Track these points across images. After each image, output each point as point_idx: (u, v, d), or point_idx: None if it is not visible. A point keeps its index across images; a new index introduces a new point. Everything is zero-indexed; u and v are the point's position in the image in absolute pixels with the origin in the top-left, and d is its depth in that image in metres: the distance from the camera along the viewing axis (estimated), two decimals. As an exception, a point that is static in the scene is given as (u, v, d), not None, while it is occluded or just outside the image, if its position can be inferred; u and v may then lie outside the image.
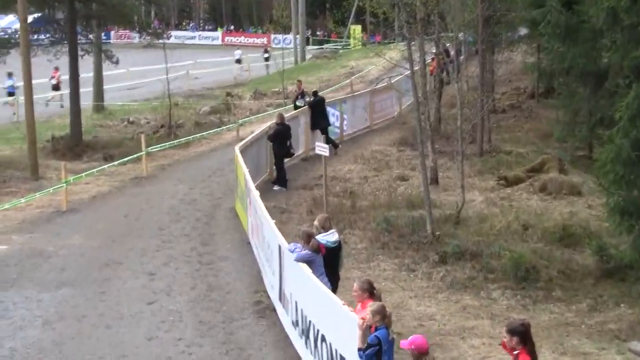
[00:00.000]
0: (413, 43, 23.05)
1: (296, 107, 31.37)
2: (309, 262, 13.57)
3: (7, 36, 34.82)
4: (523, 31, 37.24)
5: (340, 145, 30.63)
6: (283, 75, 43.19)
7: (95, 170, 26.82)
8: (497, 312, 15.83)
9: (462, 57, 30.65)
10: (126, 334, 15.10)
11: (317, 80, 51.89)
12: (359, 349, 10.40)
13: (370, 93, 35.69)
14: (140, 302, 16.63)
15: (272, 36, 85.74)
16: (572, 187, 23.78)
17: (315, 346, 12.60)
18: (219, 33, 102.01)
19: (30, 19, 31.97)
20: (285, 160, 26.06)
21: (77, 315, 16.11)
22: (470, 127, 23.41)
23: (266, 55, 65.16)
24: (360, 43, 78.08)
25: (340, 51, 76.64)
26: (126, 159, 28.47)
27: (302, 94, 32.63)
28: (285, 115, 27.23)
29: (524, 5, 31.40)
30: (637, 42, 16.20)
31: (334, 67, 59.90)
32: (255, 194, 18.30)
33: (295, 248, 13.94)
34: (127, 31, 75.43)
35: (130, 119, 38.65)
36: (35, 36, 35.40)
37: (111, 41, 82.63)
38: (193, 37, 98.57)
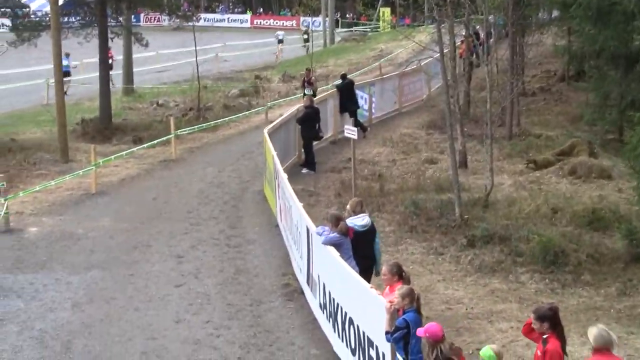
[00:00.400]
0: (443, 25, 22.94)
1: (305, 96, 30.73)
2: (337, 245, 13.57)
3: (37, 19, 34.92)
4: (554, 13, 36.97)
5: (368, 128, 30.58)
6: (312, 57, 43.09)
7: (124, 153, 26.90)
8: (525, 296, 15.76)
9: (492, 40, 30.49)
10: (154, 317, 15.18)
11: (346, 63, 51.80)
12: (387, 332, 10.40)
13: (399, 76, 35.61)
14: (169, 285, 16.71)
15: (301, 19, 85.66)
16: (602, 170, 23.64)
17: (343, 329, 12.62)
18: (248, 16, 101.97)
19: (60, 1, 32.00)
20: (314, 143, 26.05)
21: (106, 297, 16.20)
22: (500, 110, 23.25)
23: (305, 36, 65.17)
24: (389, 26, 77.95)
25: (370, 34, 76.45)
26: (155, 141, 28.54)
27: (310, 82, 32.88)
28: (314, 98, 27.23)
29: (555, -13, 31.16)
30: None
31: (363, 50, 59.74)
32: (284, 176, 18.31)
33: (324, 231, 13.92)
34: (157, 14, 75.62)
35: (160, 102, 38.71)
36: (66, 19, 35.48)
37: (141, 24, 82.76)
38: (222, 20, 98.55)
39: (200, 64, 37.62)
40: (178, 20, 39.08)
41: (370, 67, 47.08)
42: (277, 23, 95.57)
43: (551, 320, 9.72)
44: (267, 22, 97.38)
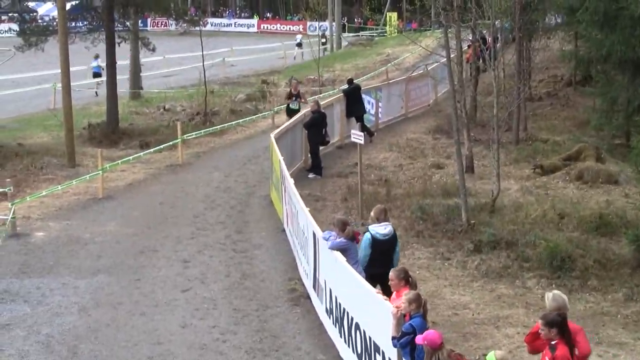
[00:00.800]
0: (449, 30, 22.93)
1: (289, 110, 29.93)
2: (344, 250, 13.57)
3: (45, 24, 34.97)
4: (561, 18, 36.92)
5: (375, 133, 30.58)
6: (319, 62, 43.09)
7: (131, 157, 26.94)
8: (532, 302, 15.74)
9: (498, 45, 30.46)
10: (161, 322, 15.19)
11: (353, 67, 51.80)
12: (393, 338, 10.40)
13: (406, 81, 35.58)
14: (175, 290, 16.72)
15: (308, 23, 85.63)
16: (609, 175, 23.60)
17: (350, 334, 12.62)
18: (255, 20, 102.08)
19: (67, 6, 32.04)
20: (321, 148, 26.05)
21: (113, 302, 16.22)
22: (507, 115, 23.21)
23: (323, 40, 65.60)
24: (396, 30, 77.96)
25: (376, 39, 76.44)
26: (162, 146, 28.56)
27: (298, 95, 30.38)
28: (321, 103, 27.23)
29: (562, -8, 31.12)
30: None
31: (369, 54, 59.74)
32: (290, 181, 18.32)
33: (330, 236, 13.93)
34: (164, 18, 75.66)
35: (167, 107, 38.73)
36: (73, 23, 35.53)
37: (148, 28, 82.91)
38: (229, 25, 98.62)
39: (207, 69, 37.61)
40: (185, 25, 39.11)
41: (377, 72, 47.06)
42: (284, 28, 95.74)
43: (560, 326, 9.72)
44: (274, 27, 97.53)
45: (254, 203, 23.33)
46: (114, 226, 21.34)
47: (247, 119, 34.45)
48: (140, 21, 49.26)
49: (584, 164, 24.37)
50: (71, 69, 28.72)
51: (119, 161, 26.39)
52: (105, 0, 32.99)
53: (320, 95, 37.43)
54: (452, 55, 22.21)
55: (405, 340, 10.28)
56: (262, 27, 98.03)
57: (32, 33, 32.37)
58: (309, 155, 26.11)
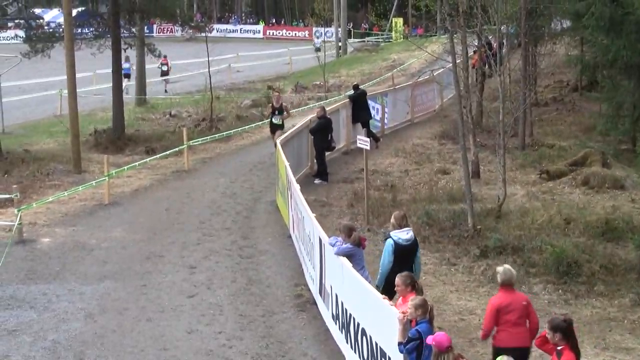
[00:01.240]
0: (455, 36, 22.94)
1: (272, 125, 28.37)
2: (350, 255, 13.57)
3: (51, 30, 35.05)
4: (566, 23, 36.91)
5: (381, 139, 30.57)
6: (324, 68, 43.14)
7: (137, 163, 26.98)
8: (538, 307, 15.67)
9: (504, 50, 30.46)
10: (167, 327, 15.19)
11: (359, 73, 51.84)
12: (400, 343, 10.39)
13: (411, 86, 35.55)
14: (181, 296, 16.73)
15: (314, 29, 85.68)
16: (615, 180, 23.57)
17: (356, 340, 12.61)
18: (260, 26, 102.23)
19: (74, 12, 32.11)
20: (327, 153, 26.05)
21: (119, 308, 16.23)
22: (512, 120, 23.22)
23: (339, 44, 66.25)
24: (402, 36, 77.99)
25: (382, 44, 76.48)
26: (168, 152, 28.58)
27: (280, 109, 28.23)
28: (327, 109, 27.25)
29: (568, -2, 31.10)
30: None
31: (375, 60, 59.75)
32: (296, 187, 18.32)
33: (336, 242, 13.93)
34: (170, 25, 75.81)
35: (172, 112, 38.80)
36: (79, 30, 35.60)
37: (154, 35, 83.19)
38: (235, 31, 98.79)
39: (212, 75, 37.69)
40: (191, 31, 39.24)
41: (382, 78, 47.07)
42: (289, 34, 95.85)
43: (564, 331, 9.71)
44: (279, 33, 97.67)
45: (260, 209, 23.34)
46: (120, 232, 21.36)
47: (253, 124, 34.45)
48: (146, 27, 49.39)
49: (590, 169, 24.34)
50: (77, 75, 28.76)
51: (125, 167, 26.42)
52: (111, 7, 33.06)
53: (326, 100, 37.43)
54: (457, 61, 22.20)
55: (411, 346, 10.27)
56: (267, 33, 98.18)
57: (39, 39, 32.46)
58: (315, 160, 26.11)
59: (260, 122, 34.92)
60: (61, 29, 31.67)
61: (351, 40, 79.37)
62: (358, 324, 12.44)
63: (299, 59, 61.77)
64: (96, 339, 14.79)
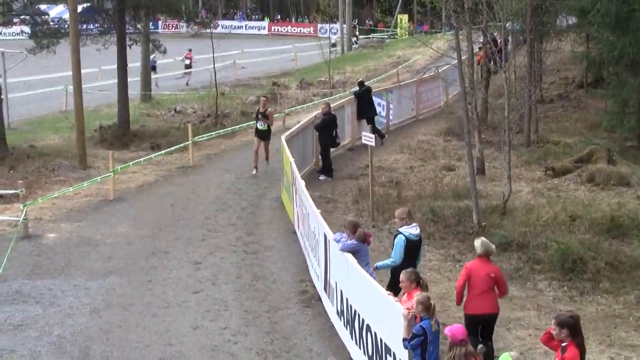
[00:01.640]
0: (460, 32, 22.92)
1: (258, 131, 26.75)
2: (355, 252, 13.58)
3: (56, 26, 35.07)
4: (572, 20, 36.87)
5: (386, 135, 30.56)
6: (329, 64, 43.11)
7: (142, 159, 26.99)
8: (543, 304, 15.72)
9: (509, 47, 30.42)
10: (172, 323, 15.21)
11: (364, 69, 51.79)
12: (404, 339, 10.40)
13: (416, 83, 35.54)
14: (186, 291, 16.75)
15: (319, 26, 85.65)
16: (621, 177, 23.54)
17: (361, 336, 12.61)
18: (265, 23, 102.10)
19: (79, 8, 32.14)
20: (331, 149, 26.05)
21: (124, 303, 16.25)
22: (518, 117, 23.20)
23: (354, 38, 66.25)
24: (407, 33, 77.88)
25: (387, 41, 76.40)
26: (173, 148, 28.60)
27: (265, 115, 26.63)
28: (332, 105, 27.24)
29: (574, -6, 31.07)
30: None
31: (380, 56, 59.71)
32: (301, 183, 18.32)
33: (341, 238, 13.94)
34: (175, 21, 75.82)
35: (177, 109, 38.83)
36: (84, 26, 35.63)
37: (159, 31, 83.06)
38: (240, 27, 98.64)
39: (218, 71, 37.69)
40: (196, 27, 39.23)
41: (387, 74, 47.04)
42: (294, 30, 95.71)
43: (570, 328, 9.71)
44: (284, 29, 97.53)
45: (265, 205, 23.34)
46: (125, 228, 21.38)
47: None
48: (151, 23, 49.38)
49: (596, 166, 24.31)
50: (82, 71, 28.77)
51: (130, 163, 26.43)
52: (117, 3, 33.10)
53: (331, 97, 37.42)
54: (463, 58, 22.19)
55: (415, 342, 10.29)
56: (272, 30, 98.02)
57: (44, 35, 32.48)
58: (320, 157, 26.10)
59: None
60: (66, 25, 31.67)
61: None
62: (363, 320, 12.45)
63: (303, 55, 61.74)
64: (101, 334, 14.82)
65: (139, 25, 36.88)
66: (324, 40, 45.00)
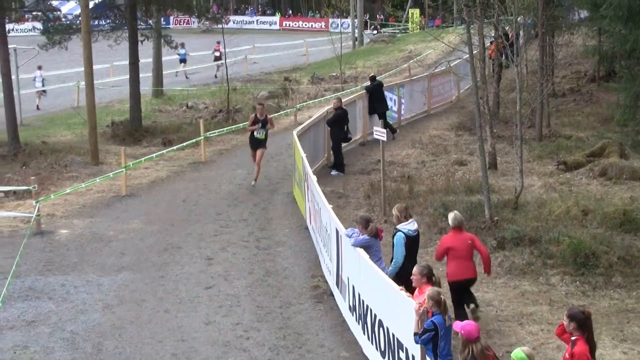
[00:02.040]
0: (472, 26, 22.88)
1: (252, 140, 24.83)
2: (367, 247, 13.59)
3: (68, 22, 35.14)
4: (584, 14, 36.75)
5: (397, 130, 30.53)
6: (341, 59, 43.07)
7: (154, 155, 27.03)
8: (555, 298, 15.69)
9: (521, 41, 30.35)
10: (184, 319, 15.24)
11: (375, 64, 51.75)
12: (415, 334, 10.40)
13: (428, 77, 35.50)
14: (199, 287, 16.78)
15: (330, 20, 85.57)
16: (633, 172, 23.47)
17: (373, 331, 12.62)
18: (276, 18, 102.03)
19: (90, 4, 32.18)
20: (343, 145, 26.04)
21: (137, 299, 16.29)
22: (530, 111, 23.16)
23: (374, 31, 66.70)
24: (418, 27, 77.79)
25: (399, 35, 76.31)
26: (184, 144, 28.63)
27: (265, 121, 24.68)
28: (344, 100, 27.23)
29: (585, -12, 30.97)
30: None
31: (392, 51, 59.61)
32: (313, 178, 18.32)
33: (353, 233, 13.96)
34: (186, 16, 75.89)
35: (189, 104, 38.89)
36: (96, 22, 35.69)
37: (170, 26, 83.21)
38: (251, 22, 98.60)
39: (229, 66, 37.71)
40: (207, 22, 39.31)
41: (399, 69, 46.99)
42: (306, 25, 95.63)
43: (578, 321, 9.72)
44: (296, 24, 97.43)
45: (277, 200, 23.36)
46: (138, 223, 21.42)
47: (270, 116, 34.40)
48: (162, 19, 49.50)
49: (608, 160, 24.24)
50: (94, 67, 28.82)
51: (142, 159, 26.50)
52: (128, -1, 33.14)
53: (343, 92, 37.41)
54: (474, 52, 22.15)
55: (427, 336, 10.30)
56: (284, 25, 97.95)
57: (56, 31, 32.55)
58: (332, 152, 26.10)
59: (276, 114, 34.91)
60: (78, 21, 31.77)
61: (368, 31, 79.25)
62: (375, 315, 12.45)
63: (315, 50, 61.72)
64: (114, 330, 14.87)
65: (150, 21, 36.92)
66: (337, 35, 44.90)
